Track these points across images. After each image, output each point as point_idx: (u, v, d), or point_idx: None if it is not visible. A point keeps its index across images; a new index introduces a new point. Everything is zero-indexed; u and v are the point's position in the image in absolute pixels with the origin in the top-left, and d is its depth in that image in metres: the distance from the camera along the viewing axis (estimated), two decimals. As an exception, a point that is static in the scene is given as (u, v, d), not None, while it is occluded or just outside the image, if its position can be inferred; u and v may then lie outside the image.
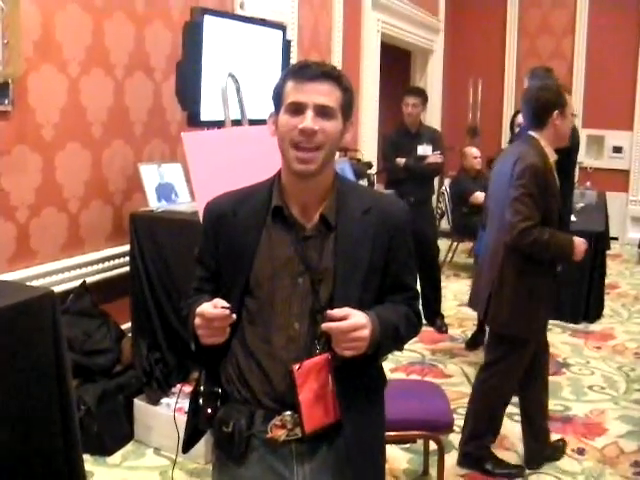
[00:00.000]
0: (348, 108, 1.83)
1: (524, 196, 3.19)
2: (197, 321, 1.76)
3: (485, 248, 3.60)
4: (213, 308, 1.73)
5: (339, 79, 1.79)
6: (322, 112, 1.75)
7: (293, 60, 5.51)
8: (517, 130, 5.37)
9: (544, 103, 3.32)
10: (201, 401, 1.92)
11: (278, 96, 1.81)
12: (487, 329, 3.88)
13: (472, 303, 3.70)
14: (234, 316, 1.75)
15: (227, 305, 1.74)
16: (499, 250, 3.36)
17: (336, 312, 1.71)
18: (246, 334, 1.85)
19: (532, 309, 3.37)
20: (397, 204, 1.99)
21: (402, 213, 1.93)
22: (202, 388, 1.93)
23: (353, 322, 1.70)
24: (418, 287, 4.37)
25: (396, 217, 1.90)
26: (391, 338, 1.86)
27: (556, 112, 3.31)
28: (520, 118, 5.43)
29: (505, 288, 3.35)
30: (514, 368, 3.50)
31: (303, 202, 1.84)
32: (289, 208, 1.84)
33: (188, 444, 2.01)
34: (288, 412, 1.81)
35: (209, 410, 1.90)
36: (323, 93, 1.76)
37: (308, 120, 1.74)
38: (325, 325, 1.70)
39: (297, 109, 1.75)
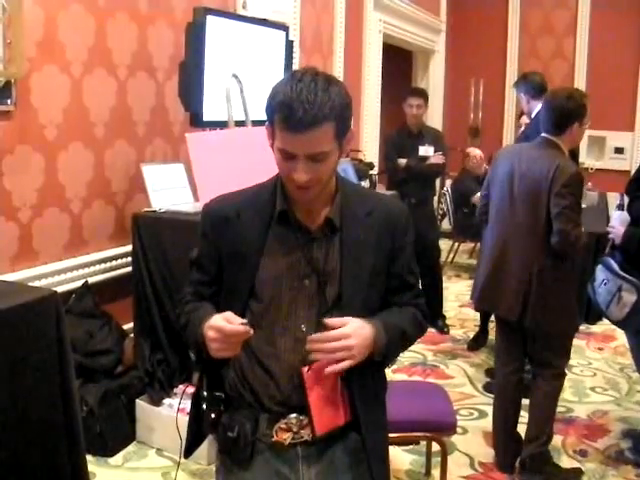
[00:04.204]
0: (344, 132, 1.75)
1: (574, 204, 3.30)
2: (212, 334, 1.72)
3: (494, 248, 3.61)
4: (227, 323, 1.71)
5: (330, 115, 1.65)
6: (315, 158, 1.68)
7: (296, 61, 5.51)
8: (521, 130, 5.37)
9: (568, 114, 3.41)
10: (204, 406, 1.91)
11: (270, 122, 1.72)
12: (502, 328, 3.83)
13: (492, 306, 3.71)
14: (252, 331, 1.73)
15: (245, 321, 1.72)
16: (530, 252, 3.42)
17: (335, 321, 1.74)
18: (250, 338, 1.84)
19: (572, 305, 3.52)
20: (398, 205, 2.00)
21: (403, 214, 1.94)
22: (205, 393, 1.92)
23: (337, 333, 1.71)
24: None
25: (398, 218, 1.91)
26: (398, 342, 1.88)
27: (576, 123, 3.42)
28: (524, 119, 5.44)
29: (548, 288, 3.41)
30: (563, 361, 3.61)
31: (308, 206, 1.83)
32: (294, 211, 1.83)
33: (190, 448, 2.01)
34: (293, 415, 1.81)
35: (213, 415, 1.89)
36: (314, 142, 1.66)
37: (299, 172, 1.68)
38: (308, 347, 1.73)
39: (288, 156, 1.69)
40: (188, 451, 2.01)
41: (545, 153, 3.44)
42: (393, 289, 1.91)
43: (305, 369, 1.77)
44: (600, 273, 3.67)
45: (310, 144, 1.66)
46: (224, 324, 1.71)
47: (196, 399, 1.95)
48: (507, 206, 3.54)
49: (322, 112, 1.63)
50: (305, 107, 1.61)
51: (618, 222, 3.64)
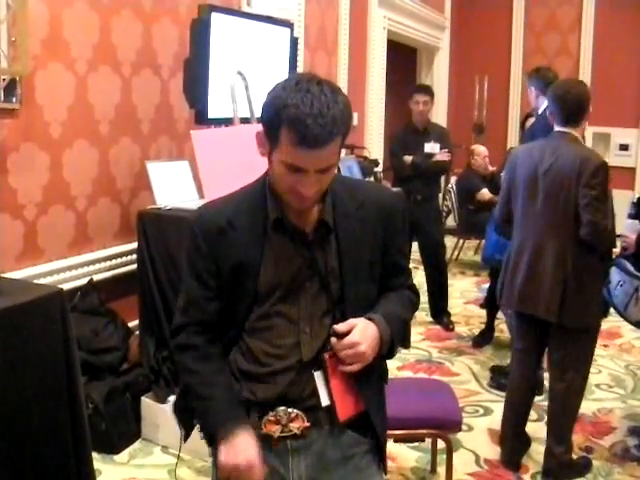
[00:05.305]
0: (346, 135, 1.71)
1: (602, 194, 3.24)
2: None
3: (526, 249, 3.48)
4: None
5: (341, 128, 1.63)
6: (322, 171, 1.67)
7: (300, 58, 5.51)
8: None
9: (586, 102, 3.38)
10: None
11: (272, 132, 1.65)
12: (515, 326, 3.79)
13: (530, 307, 3.49)
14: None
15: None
16: (563, 249, 3.35)
17: (342, 327, 1.76)
18: (251, 341, 1.84)
19: (600, 298, 3.47)
20: (387, 192, 2.02)
21: (393, 199, 1.95)
22: None
23: (347, 342, 1.75)
24: (423, 279, 4.41)
25: (388, 205, 1.90)
26: (401, 332, 1.92)
27: (589, 110, 3.40)
28: (531, 122, 5.42)
29: (583, 283, 3.36)
30: (590, 358, 3.58)
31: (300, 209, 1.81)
32: (287, 216, 1.80)
33: (188, 434, 2.02)
34: (281, 407, 1.82)
35: None
36: (326, 156, 1.64)
37: (308, 186, 1.66)
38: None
39: (296, 170, 1.65)
40: (186, 436, 2.02)
41: (568, 147, 3.37)
42: (387, 273, 1.93)
43: (327, 355, 1.79)
44: (615, 275, 3.63)
45: (322, 159, 1.64)
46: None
47: (185, 390, 1.96)
48: (534, 207, 3.43)
49: (336, 127, 1.60)
50: (320, 123, 1.57)
51: (630, 230, 3.64)
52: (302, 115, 1.57)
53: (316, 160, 1.63)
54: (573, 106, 3.37)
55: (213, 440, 1.82)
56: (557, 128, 3.44)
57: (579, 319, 3.41)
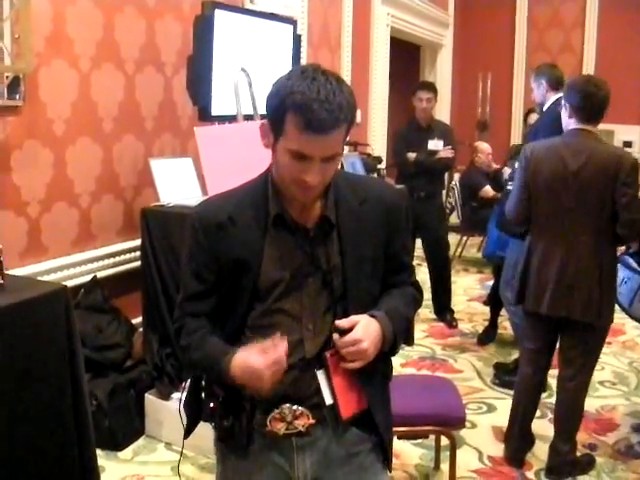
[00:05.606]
0: (351, 126, 1.71)
1: (637, 192, 3.25)
2: (263, 371, 1.70)
3: (557, 250, 3.39)
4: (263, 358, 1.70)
5: (347, 116, 1.64)
6: (327, 160, 1.67)
7: (303, 55, 5.51)
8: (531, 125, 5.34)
9: (608, 101, 3.35)
10: (204, 395, 1.93)
11: (277, 121, 1.66)
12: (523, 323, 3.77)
13: (562, 309, 3.40)
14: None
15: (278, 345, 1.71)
16: (598, 249, 3.32)
17: (344, 323, 1.75)
18: (254, 338, 1.82)
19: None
20: (390, 188, 2.02)
21: (396, 196, 1.95)
22: (204, 383, 1.94)
23: (349, 339, 1.74)
24: (427, 276, 4.34)
25: (390, 202, 1.90)
26: (402, 328, 1.91)
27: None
28: (533, 117, 5.39)
29: (612, 280, 3.39)
30: (599, 355, 3.60)
31: (302, 204, 1.80)
32: (288, 211, 1.80)
33: (189, 430, 2.01)
34: (286, 405, 1.82)
35: (211, 404, 1.90)
36: (331, 143, 1.65)
37: (312, 174, 1.66)
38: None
39: (301, 157, 1.65)
40: (187, 432, 2.02)
41: (598, 145, 3.34)
42: (391, 270, 1.92)
43: (328, 354, 1.78)
44: (620, 272, 3.60)
45: (328, 146, 1.64)
46: (262, 361, 1.69)
47: (195, 385, 1.97)
48: (563, 206, 3.34)
49: (342, 114, 1.62)
50: (326, 108, 1.59)
51: None
52: (308, 100, 1.59)
53: (321, 146, 1.63)
54: (600, 105, 3.34)
55: (227, 384, 1.80)
56: (577, 125, 3.37)
57: (609, 317, 3.43)
